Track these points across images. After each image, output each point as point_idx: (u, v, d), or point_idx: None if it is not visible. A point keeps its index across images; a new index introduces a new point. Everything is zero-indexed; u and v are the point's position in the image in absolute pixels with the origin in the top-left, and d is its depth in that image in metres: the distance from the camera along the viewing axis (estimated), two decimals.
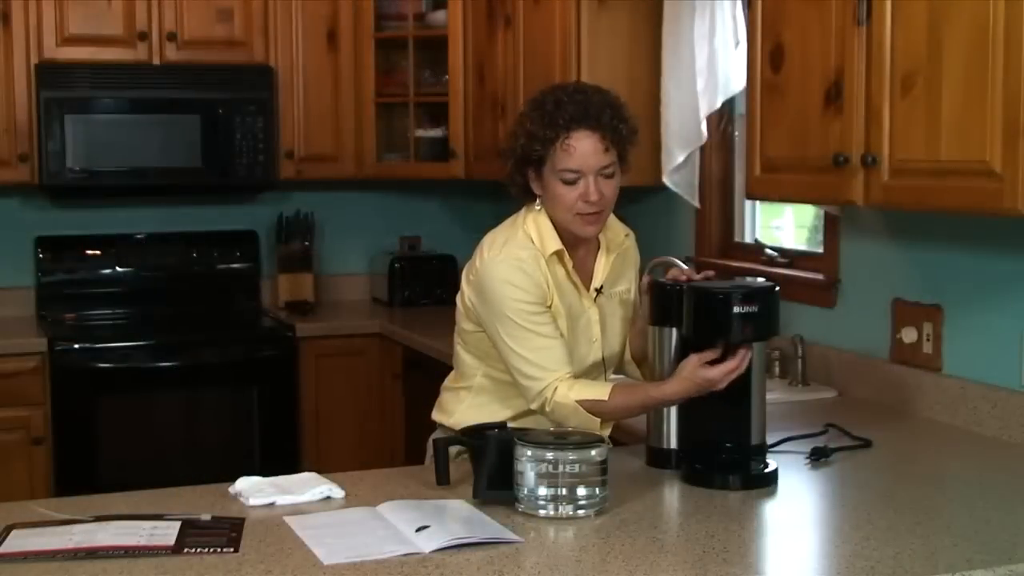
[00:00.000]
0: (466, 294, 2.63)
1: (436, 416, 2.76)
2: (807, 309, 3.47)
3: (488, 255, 2.55)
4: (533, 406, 2.53)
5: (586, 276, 2.62)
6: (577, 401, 2.45)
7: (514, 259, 2.51)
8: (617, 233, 2.67)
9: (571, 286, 2.59)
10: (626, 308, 2.70)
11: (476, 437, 2.34)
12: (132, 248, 4.93)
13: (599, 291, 2.63)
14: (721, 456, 2.46)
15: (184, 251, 4.97)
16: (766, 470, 2.43)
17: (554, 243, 2.54)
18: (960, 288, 2.98)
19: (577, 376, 2.55)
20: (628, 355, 2.74)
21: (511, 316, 2.49)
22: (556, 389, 2.47)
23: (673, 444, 2.52)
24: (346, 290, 5.28)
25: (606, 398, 2.45)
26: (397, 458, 4.50)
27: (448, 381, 2.78)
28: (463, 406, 2.68)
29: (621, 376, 2.80)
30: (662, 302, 2.52)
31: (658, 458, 2.53)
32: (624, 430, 2.94)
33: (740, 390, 2.45)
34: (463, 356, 2.69)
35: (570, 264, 2.57)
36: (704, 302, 2.42)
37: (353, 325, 4.76)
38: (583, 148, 2.46)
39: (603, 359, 2.65)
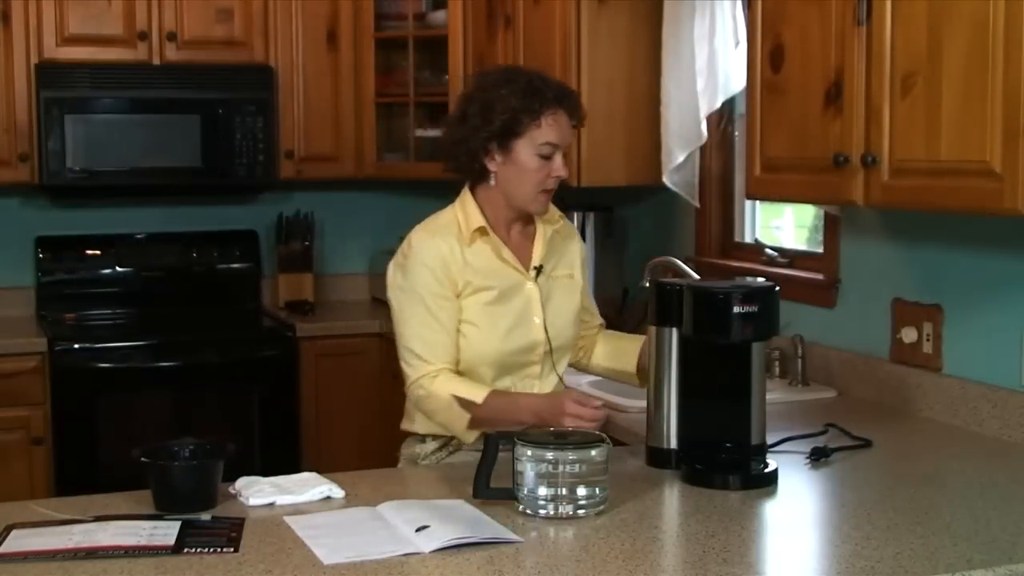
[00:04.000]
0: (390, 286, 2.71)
1: (404, 424, 2.78)
2: (807, 309, 3.47)
3: (414, 236, 2.66)
4: (408, 389, 2.60)
5: (525, 257, 2.68)
6: (453, 395, 2.52)
7: (431, 244, 2.62)
8: (552, 214, 2.73)
9: (502, 264, 2.64)
10: (572, 293, 2.75)
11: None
12: (132, 248, 4.93)
13: (539, 271, 2.67)
14: (721, 456, 2.46)
15: (184, 251, 4.97)
16: (766, 470, 2.43)
17: (477, 220, 2.62)
18: (960, 288, 2.97)
19: (513, 358, 2.63)
20: (635, 367, 2.76)
21: (417, 298, 2.60)
22: (437, 377, 2.55)
23: (673, 444, 2.51)
24: (346, 290, 5.28)
25: (479, 401, 2.51)
26: (397, 458, 4.49)
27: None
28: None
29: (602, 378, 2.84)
30: (662, 302, 2.52)
31: (658, 458, 2.53)
32: (624, 430, 2.95)
33: (740, 390, 2.45)
34: None
35: (500, 242, 2.63)
36: (704, 302, 2.42)
37: (353, 325, 4.76)
38: (562, 123, 2.59)
39: (548, 340, 2.66)
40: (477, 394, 2.52)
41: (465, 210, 2.65)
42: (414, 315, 2.60)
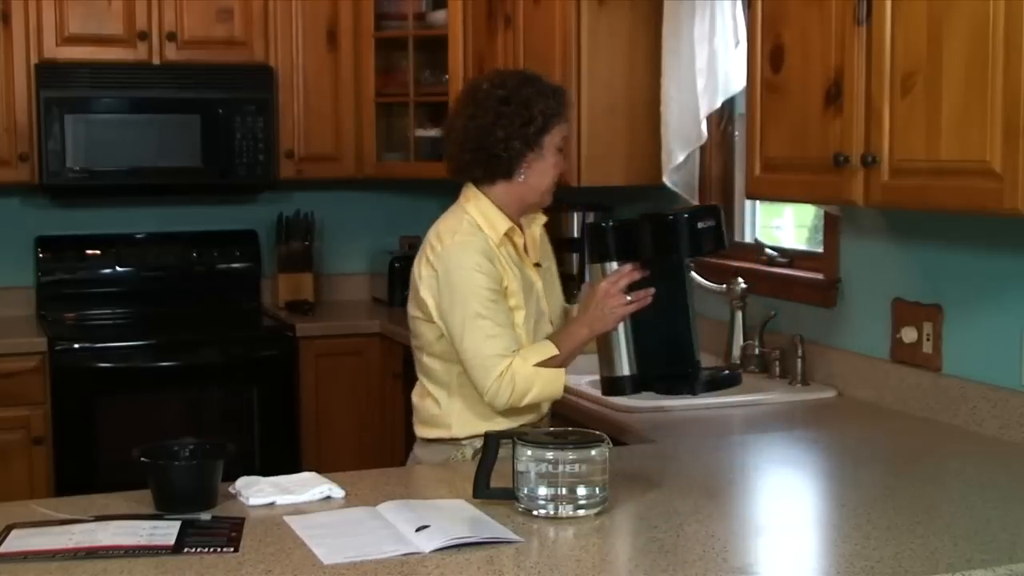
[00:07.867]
0: (420, 291, 2.69)
1: (423, 432, 2.78)
2: (807, 309, 3.47)
3: (448, 243, 2.66)
4: (487, 389, 2.61)
5: (529, 254, 2.81)
6: (536, 365, 2.60)
7: (472, 245, 2.65)
8: (538, 212, 2.86)
9: (522, 264, 2.75)
10: (556, 282, 2.91)
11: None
12: (132, 248, 4.93)
13: (537, 266, 2.80)
14: (677, 368, 2.60)
15: (184, 251, 4.97)
16: (726, 373, 2.56)
17: (504, 223, 2.71)
18: (960, 288, 2.97)
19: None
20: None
21: (476, 302, 2.61)
22: (511, 365, 2.59)
23: (626, 371, 2.61)
24: (346, 290, 5.28)
25: (557, 351, 2.62)
26: (397, 458, 4.49)
27: (417, 393, 2.81)
28: (456, 414, 2.71)
29: None
30: (596, 240, 2.64)
31: (613, 387, 2.64)
32: (624, 430, 2.94)
33: (680, 308, 2.62)
34: (430, 363, 2.74)
35: (520, 240, 2.74)
36: (660, 226, 2.56)
37: (353, 325, 4.76)
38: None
39: (552, 328, 2.81)
40: (548, 351, 2.63)
41: (484, 212, 2.71)
42: (475, 325, 2.62)
